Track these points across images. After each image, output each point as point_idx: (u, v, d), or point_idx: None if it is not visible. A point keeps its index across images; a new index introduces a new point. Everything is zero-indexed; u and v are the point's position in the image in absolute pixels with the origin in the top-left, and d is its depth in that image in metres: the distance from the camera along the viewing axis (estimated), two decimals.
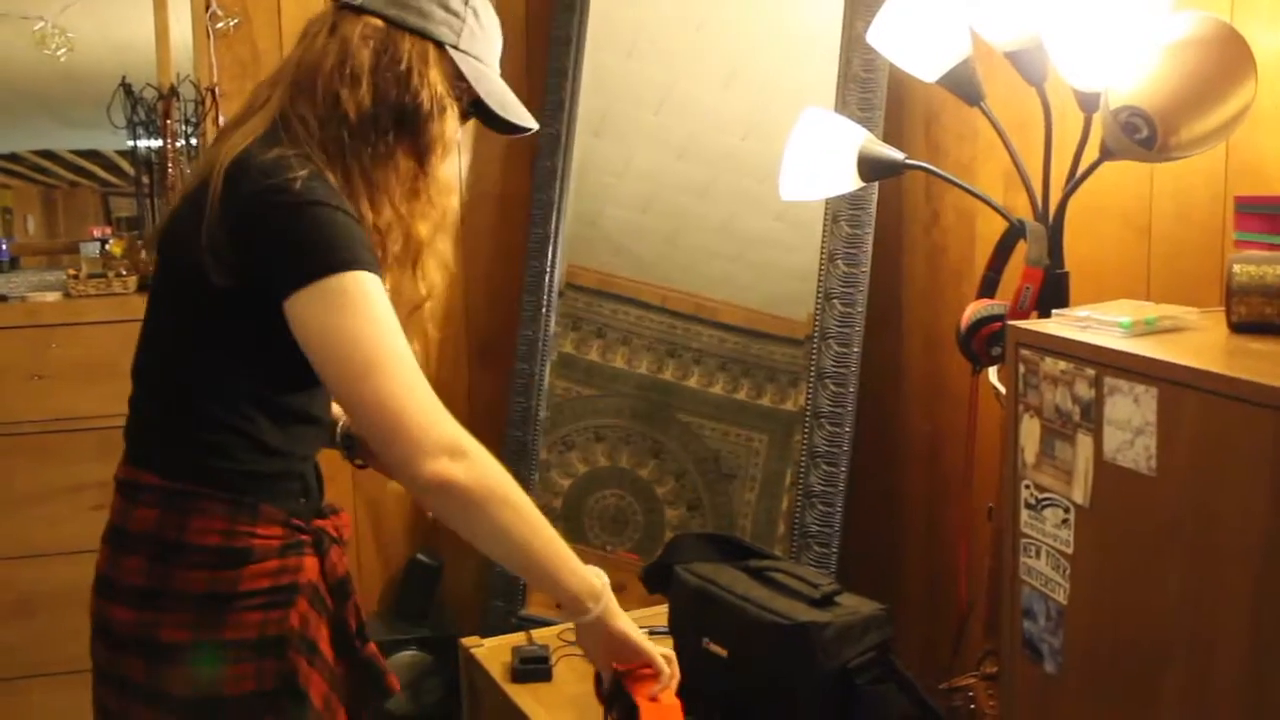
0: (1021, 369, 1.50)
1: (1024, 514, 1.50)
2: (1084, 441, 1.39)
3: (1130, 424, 1.31)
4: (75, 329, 2.72)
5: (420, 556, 3.01)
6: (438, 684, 2.89)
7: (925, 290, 2.65)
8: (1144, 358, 1.30)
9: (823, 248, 2.59)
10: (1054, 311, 1.56)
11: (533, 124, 1.61)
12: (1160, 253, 2.00)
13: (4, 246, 2.98)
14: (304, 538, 1.52)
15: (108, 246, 2.91)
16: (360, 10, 1.51)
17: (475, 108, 1.59)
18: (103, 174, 3.17)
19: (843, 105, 2.54)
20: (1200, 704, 1.26)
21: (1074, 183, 1.87)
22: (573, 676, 2.06)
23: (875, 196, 2.57)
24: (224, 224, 1.39)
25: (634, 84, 2.83)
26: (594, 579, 1.57)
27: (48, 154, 3.19)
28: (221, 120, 2.72)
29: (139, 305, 1.57)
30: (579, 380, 2.86)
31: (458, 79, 1.54)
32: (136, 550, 1.47)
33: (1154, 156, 1.70)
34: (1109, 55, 1.70)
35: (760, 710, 1.78)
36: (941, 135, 2.55)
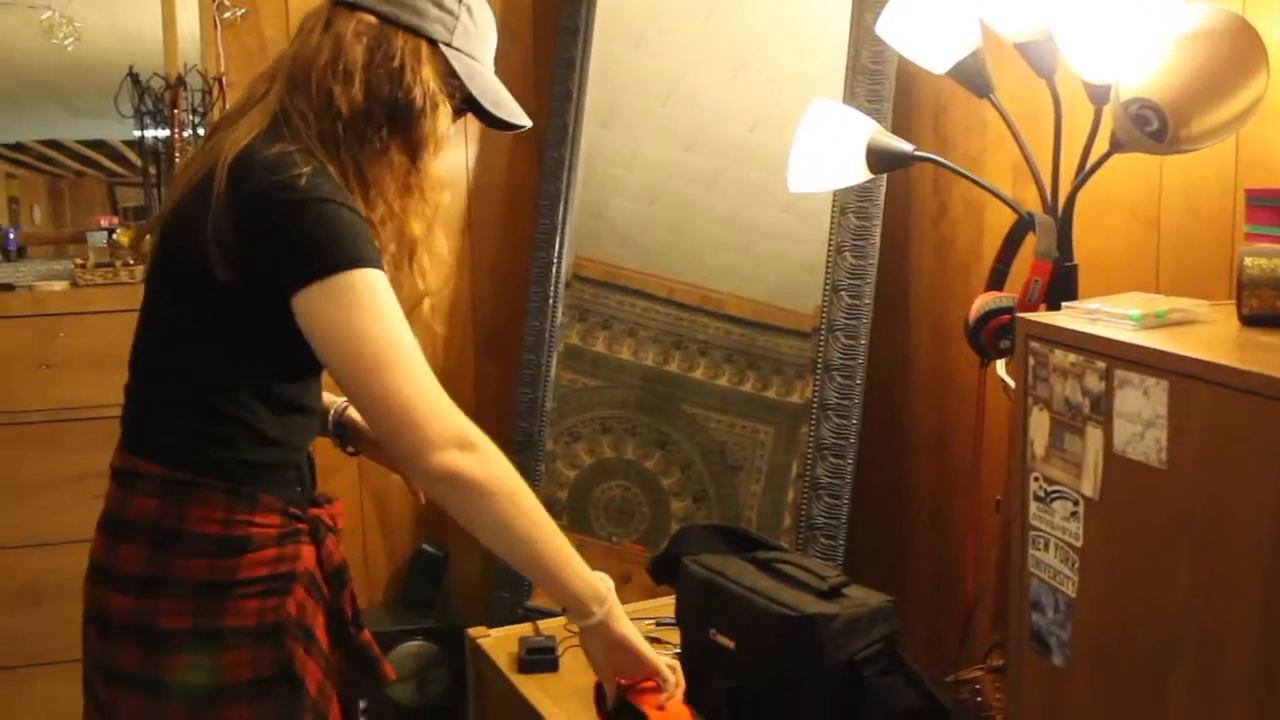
0: (1031, 361, 1.49)
1: (1033, 506, 1.50)
2: (1094, 434, 1.38)
3: (1140, 417, 1.31)
4: (83, 318, 2.72)
5: (426, 547, 3.01)
6: (443, 674, 2.90)
7: (933, 282, 2.64)
8: (1155, 350, 1.30)
9: (830, 240, 2.59)
10: (1064, 304, 1.55)
11: (526, 121, 1.62)
12: (1169, 245, 2.00)
13: (12, 236, 2.98)
14: (301, 526, 1.53)
15: (115, 236, 2.91)
16: (354, 7, 1.51)
17: (469, 104, 1.59)
18: (109, 164, 3.17)
19: (851, 97, 2.53)
20: (1210, 697, 1.26)
21: (1084, 175, 1.86)
22: (579, 667, 2.06)
23: (883, 188, 2.56)
24: (229, 218, 1.40)
25: (642, 75, 2.83)
26: (599, 583, 1.57)
27: (54, 144, 3.19)
28: None
29: None
30: (585, 371, 2.86)
31: (450, 76, 1.54)
32: (135, 538, 1.47)
33: (1164, 149, 1.70)
34: (1120, 47, 1.69)
35: (767, 701, 1.78)
36: (950, 127, 2.55)
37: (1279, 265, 1.38)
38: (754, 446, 2.70)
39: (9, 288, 2.77)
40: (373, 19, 1.50)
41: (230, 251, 1.40)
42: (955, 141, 2.53)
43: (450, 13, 1.53)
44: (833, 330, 2.57)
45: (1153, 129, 1.66)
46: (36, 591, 2.70)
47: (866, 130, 2.08)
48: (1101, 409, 1.37)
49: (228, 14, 2.84)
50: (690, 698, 1.87)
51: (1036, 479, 1.49)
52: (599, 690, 1.69)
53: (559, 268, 2.87)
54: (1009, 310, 1.89)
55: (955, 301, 2.54)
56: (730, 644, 1.82)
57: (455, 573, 3.05)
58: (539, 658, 2.10)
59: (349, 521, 3.00)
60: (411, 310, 1.48)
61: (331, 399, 1.75)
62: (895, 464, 2.78)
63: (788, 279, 2.68)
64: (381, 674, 1.63)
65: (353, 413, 1.77)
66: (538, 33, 3.04)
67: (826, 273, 2.59)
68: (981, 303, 1.95)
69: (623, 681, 1.64)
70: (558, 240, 2.87)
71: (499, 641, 2.21)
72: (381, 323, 1.39)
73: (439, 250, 1.62)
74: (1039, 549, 1.50)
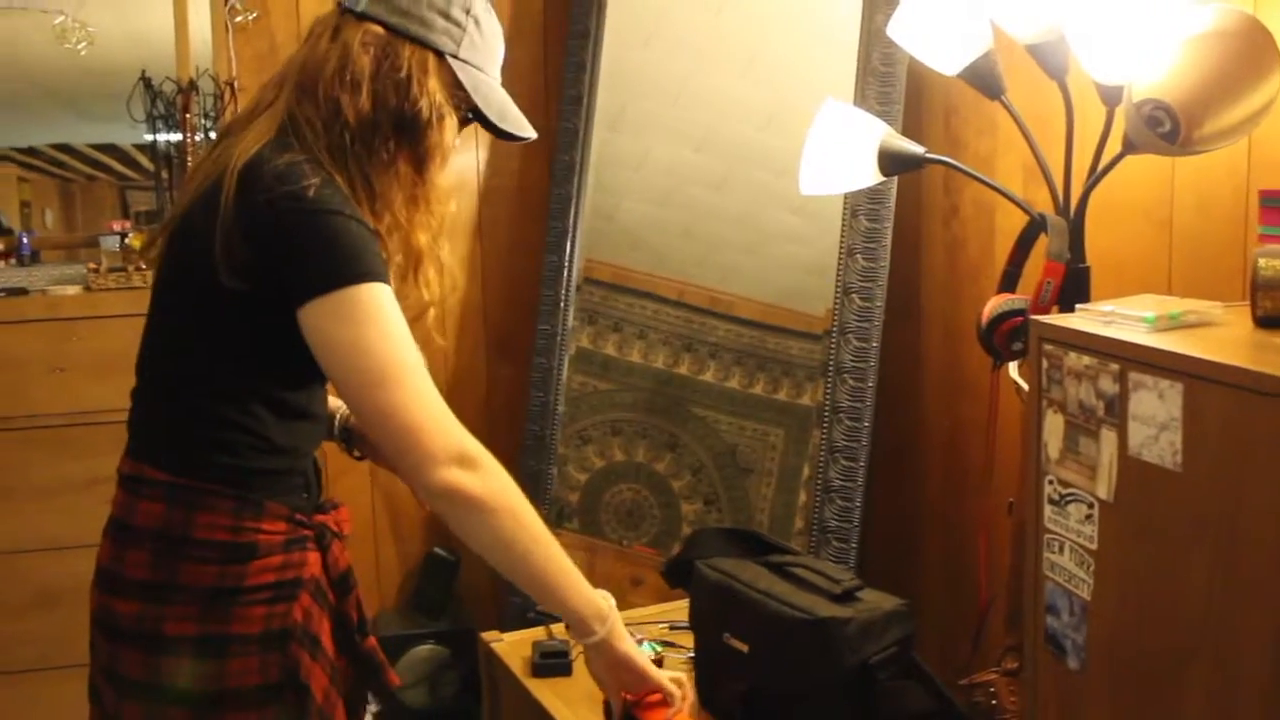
0: (1045, 364, 1.49)
1: (1047, 509, 1.50)
2: (1108, 437, 1.38)
3: (1155, 419, 1.31)
4: (96, 322, 2.73)
5: (438, 551, 3.02)
6: (455, 678, 2.90)
7: (944, 284, 2.64)
8: (1169, 352, 1.30)
9: (841, 242, 2.58)
10: (1077, 306, 1.55)
11: (530, 133, 1.62)
12: (1182, 247, 1.99)
13: (25, 240, 2.99)
14: (307, 533, 1.53)
15: (128, 240, 2.92)
16: (362, 16, 1.51)
17: (475, 115, 1.59)
18: (119, 167, 3.18)
19: (861, 99, 2.53)
20: (1226, 701, 1.25)
21: (1096, 176, 1.86)
22: None
23: (894, 190, 2.56)
24: (238, 228, 1.40)
25: (652, 75, 2.83)
26: (601, 600, 1.57)
27: (65, 148, 3.19)
28: None
29: None
30: (595, 374, 2.86)
31: (456, 88, 1.54)
32: (141, 544, 1.48)
33: (1177, 150, 1.70)
34: (1132, 48, 1.69)
35: (781, 705, 1.78)
36: (961, 128, 2.54)
37: None
38: (764, 449, 2.70)
39: (22, 292, 2.78)
40: (380, 29, 1.50)
41: (237, 260, 1.40)
42: (966, 142, 2.52)
43: (457, 24, 1.53)
44: (844, 333, 2.57)
45: (1165, 130, 1.65)
46: (51, 595, 2.71)
47: (878, 133, 2.08)
48: (1116, 411, 1.36)
49: (239, 18, 2.85)
50: (704, 702, 1.88)
51: (1051, 482, 1.49)
52: (608, 706, 1.70)
53: (570, 271, 2.87)
54: (1021, 312, 1.89)
55: (967, 303, 2.54)
56: (744, 648, 1.82)
57: (467, 576, 3.05)
58: (552, 661, 2.10)
59: (360, 526, 3.02)
60: (416, 320, 1.49)
61: (337, 403, 1.76)
62: (907, 466, 2.77)
63: (798, 281, 2.67)
64: (387, 680, 1.63)
65: None
66: (548, 36, 3.05)
67: (838, 275, 2.58)
68: (994, 305, 1.94)
69: (629, 697, 1.64)
70: (568, 243, 2.87)
71: (512, 645, 2.21)
72: (387, 338, 1.40)
73: (445, 261, 1.62)
74: (1054, 552, 1.49)
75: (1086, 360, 1.41)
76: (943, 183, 2.62)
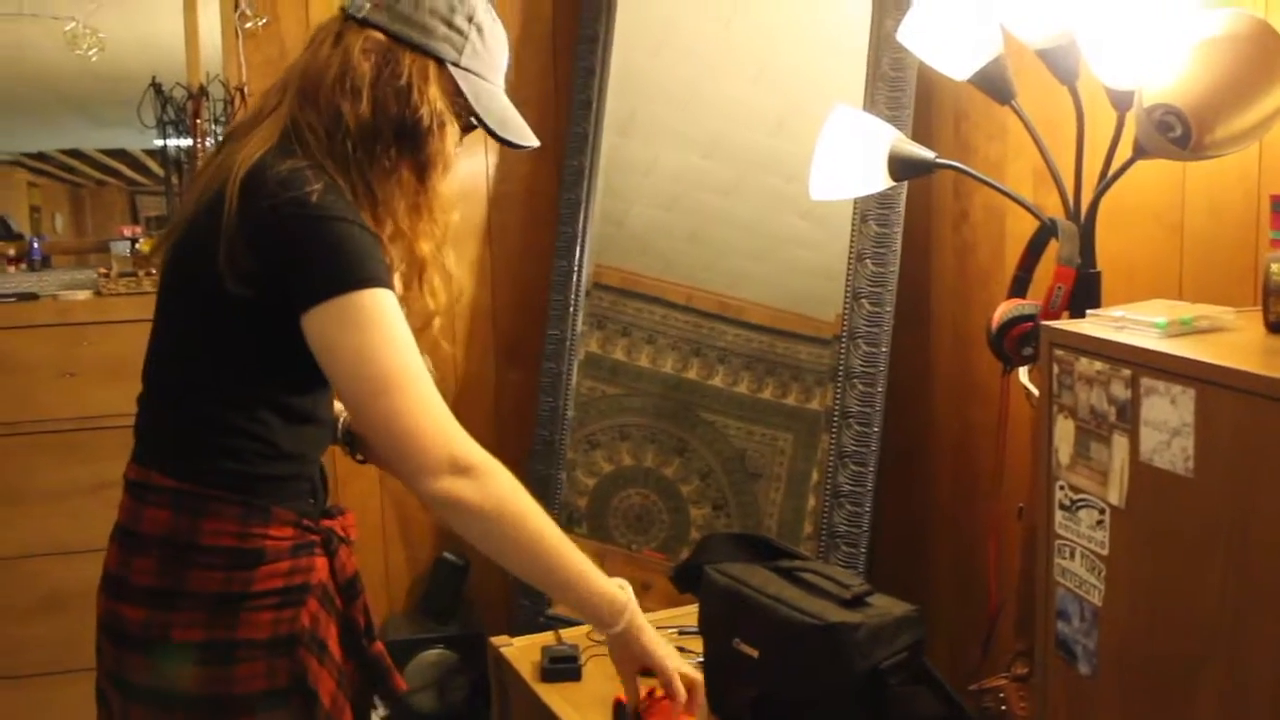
0: (1056, 369, 1.49)
1: (1058, 515, 1.50)
2: (1120, 442, 1.38)
3: (1167, 425, 1.30)
4: (106, 327, 2.73)
5: (447, 555, 3.02)
6: (463, 682, 2.90)
7: (954, 288, 2.64)
8: (1181, 358, 1.29)
9: (851, 247, 2.58)
10: (1089, 311, 1.54)
11: (533, 141, 1.61)
12: (1193, 252, 1.99)
13: (36, 245, 2.99)
14: (314, 538, 1.53)
15: (138, 245, 2.93)
16: (364, 23, 1.51)
17: (477, 123, 1.59)
18: (130, 173, 3.19)
19: (871, 104, 2.53)
20: (1238, 708, 1.25)
21: (1106, 181, 1.85)
22: (602, 676, 2.06)
23: (904, 195, 2.55)
24: (241, 234, 1.40)
25: (661, 81, 2.83)
26: (617, 593, 1.57)
27: (76, 153, 3.20)
28: None
29: None
30: (604, 379, 2.86)
31: (457, 95, 1.54)
32: (148, 551, 1.48)
33: (1188, 155, 1.69)
34: (1142, 52, 1.69)
35: (791, 711, 1.78)
36: (971, 133, 2.54)
37: None
38: (773, 454, 2.69)
39: (33, 297, 2.78)
40: (381, 36, 1.50)
41: (242, 267, 1.40)
42: (976, 147, 2.52)
43: (459, 32, 1.53)
44: (854, 338, 2.56)
45: (1176, 135, 1.65)
46: (59, 600, 2.71)
47: (888, 138, 2.07)
48: (1128, 417, 1.36)
49: (249, 23, 2.86)
50: (714, 707, 1.87)
51: (1062, 487, 1.49)
52: (617, 709, 1.69)
53: (579, 275, 2.88)
54: (1031, 318, 1.89)
55: (977, 308, 2.53)
56: (754, 653, 1.81)
57: (476, 581, 3.05)
58: (561, 666, 2.10)
59: (370, 530, 3.03)
60: (421, 329, 1.49)
61: (339, 407, 1.76)
62: (916, 471, 2.77)
63: (807, 286, 2.67)
64: (394, 685, 1.63)
65: None
66: (558, 41, 3.05)
67: (847, 280, 2.58)
68: (1004, 310, 1.94)
69: (642, 697, 1.64)
70: (578, 248, 2.87)
71: (521, 650, 2.21)
72: (390, 345, 1.40)
73: (449, 268, 1.62)
74: (1065, 557, 1.49)
75: (1098, 366, 1.41)
76: (953, 187, 2.62)
